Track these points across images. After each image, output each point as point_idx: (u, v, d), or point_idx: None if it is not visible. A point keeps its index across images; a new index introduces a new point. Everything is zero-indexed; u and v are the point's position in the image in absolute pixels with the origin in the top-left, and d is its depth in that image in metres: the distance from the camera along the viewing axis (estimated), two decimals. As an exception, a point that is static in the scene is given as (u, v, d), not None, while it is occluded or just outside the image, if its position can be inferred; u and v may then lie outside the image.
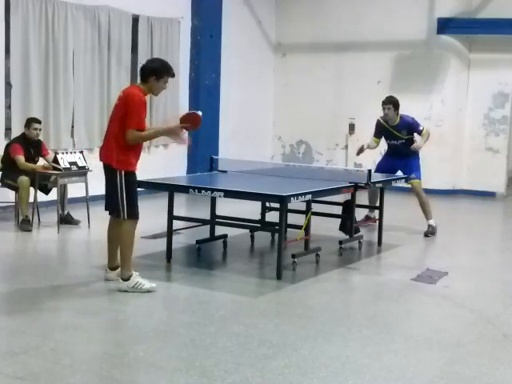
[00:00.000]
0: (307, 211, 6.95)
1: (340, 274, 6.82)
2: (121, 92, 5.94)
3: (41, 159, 8.71)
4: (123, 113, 5.68)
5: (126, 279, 5.79)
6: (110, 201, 5.86)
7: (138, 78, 6.04)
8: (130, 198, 5.77)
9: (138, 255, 6.96)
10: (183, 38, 11.91)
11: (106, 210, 6.04)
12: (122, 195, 5.74)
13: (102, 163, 5.88)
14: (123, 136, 5.67)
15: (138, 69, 6.06)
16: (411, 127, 8.81)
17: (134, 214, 5.82)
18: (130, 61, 10.94)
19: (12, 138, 8.87)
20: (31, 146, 8.55)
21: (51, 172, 8.38)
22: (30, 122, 8.56)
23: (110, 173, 5.78)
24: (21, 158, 8.34)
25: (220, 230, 7.58)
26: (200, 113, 6.05)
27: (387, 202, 8.23)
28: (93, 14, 10.22)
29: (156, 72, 5.81)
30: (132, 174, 5.79)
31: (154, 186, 7.44)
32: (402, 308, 5.82)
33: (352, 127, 13.39)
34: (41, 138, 8.79)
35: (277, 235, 6.69)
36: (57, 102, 9.83)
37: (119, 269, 5.96)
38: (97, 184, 9.28)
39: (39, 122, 8.68)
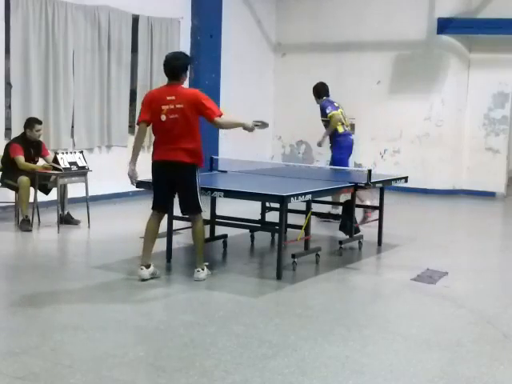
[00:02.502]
0: (307, 211, 6.95)
1: (340, 274, 6.82)
2: (170, 96, 5.99)
3: (41, 159, 8.70)
4: (195, 111, 5.97)
5: (203, 269, 6.21)
6: (187, 198, 6.12)
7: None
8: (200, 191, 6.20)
9: (137, 255, 6.96)
10: (183, 38, 11.90)
11: (162, 209, 6.29)
12: (200, 190, 6.14)
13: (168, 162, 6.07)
14: (196, 134, 6.00)
15: (164, 69, 6.17)
16: (322, 110, 9.34)
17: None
18: (130, 61, 10.94)
19: (12, 137, 8.87)
20: (31, 146, 8.54)
21: (51, 172, 8.38)
22: (33, 123, 8.54)
23: (187, 172, 6.04)
24: (21, 158, 8.34)
25: (220, 230, 7.58)
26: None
27: (387, 201, 8.22)
28: (93, 14, 10.22)
29: (187, 67, 6.15)
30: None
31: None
32: (401, 308, 5.82)
33: (352, 127, 13.35)
34: (41, 137, 8.80)
35: (277, 235, 6.69)
36: (57, 102, 9.83)
37: (152, 267, 6.14)
38: (97, 184, 9.35)
39: (41, 122, 8.68)
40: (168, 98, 5.99)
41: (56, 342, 4.58)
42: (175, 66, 6.05)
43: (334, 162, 9.31)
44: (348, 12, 13.30)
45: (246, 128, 6.33)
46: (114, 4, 10.46)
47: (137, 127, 6.36)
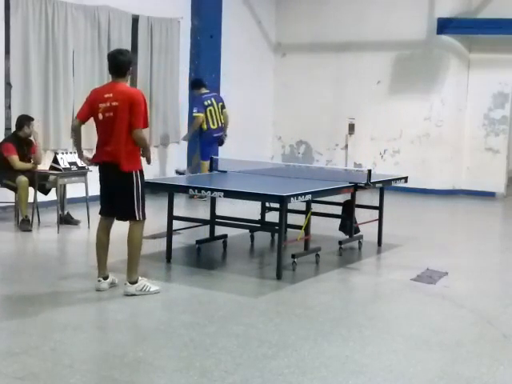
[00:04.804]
0: (307, 211, 6.95)
1: (340, 273, 6.82)
2: (108, 93, 5.63)
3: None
4: (129, 112, 5.54)
5: (135, 282, 5.69)
6: (122, 204, 5.68)
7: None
8: (143, 197, 5.72)
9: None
10: (183, 38, 11.90)
11: (106, 214, 5.80)
12: (138, 196, 5.64)
13: (103, 163, 5.72)
14: (131, 136, 5.57)
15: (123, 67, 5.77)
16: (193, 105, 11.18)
17: (144, 214, 5.75)
18: (129, 61, 10.92)
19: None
20: (24, 143, 8.49)
21: (51, 172, 8.38)
22: (29, 121, 8.49)
23: (122, 175, 5.60)
24: (15, 158, 8.31)
25: (220, 230, 7.58)
26: None
27: (387, 201, 8.22)
28: (93, 14, 10.21)
29: (131, 64, 5.82)
30: (142, 172, 5.74)
31: (153, 187, 7.45)
32: (401, 308, 5.82)
33: (352, 127, 13.39)
34: (41, 137, 8.77)
35: (277, 235, 6.69)
36: (57, 102, 9.83)
37: (110, 277, 5.83)
38: (97, 184, 9.33)
39: (33, 118, 8.66)
40: (106, 95, 5.62)
41: (56, 342, 4.58)
42: (121, 60, 5.69)
43: (201, 153, 10.97)
44: (348, 12, 13.30)
45: (145, 152, 5.77)
46: (113, 4, 10.46)
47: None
